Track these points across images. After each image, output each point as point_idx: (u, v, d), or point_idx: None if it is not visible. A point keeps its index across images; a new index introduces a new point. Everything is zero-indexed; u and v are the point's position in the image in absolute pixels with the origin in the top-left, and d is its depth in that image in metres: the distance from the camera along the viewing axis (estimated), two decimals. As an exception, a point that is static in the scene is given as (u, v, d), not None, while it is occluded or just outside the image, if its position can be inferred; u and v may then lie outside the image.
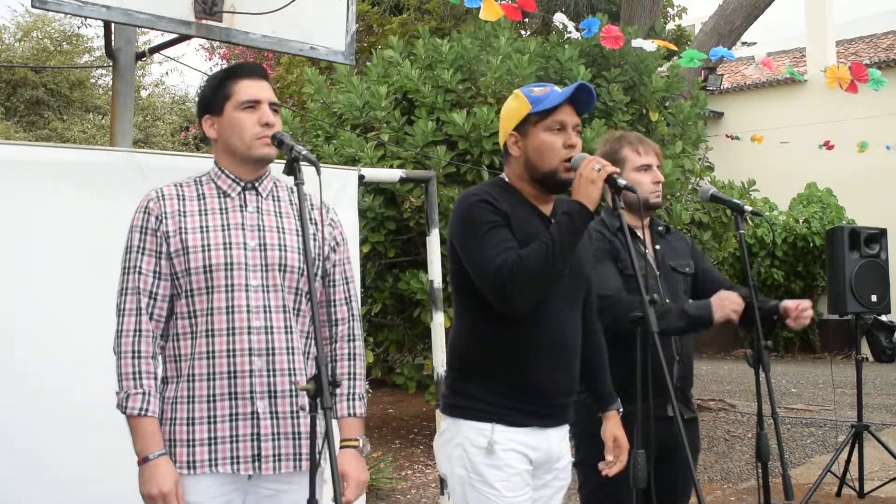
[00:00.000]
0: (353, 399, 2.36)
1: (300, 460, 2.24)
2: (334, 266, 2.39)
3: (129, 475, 2.18)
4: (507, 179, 2.52)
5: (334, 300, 2.39)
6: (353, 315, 2.42)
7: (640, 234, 2.99)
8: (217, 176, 2.33)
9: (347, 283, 2.42)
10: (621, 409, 2.60)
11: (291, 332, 2.27)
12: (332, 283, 2.38)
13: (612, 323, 2.68)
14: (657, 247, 3.04)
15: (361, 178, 4.28)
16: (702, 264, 3.16)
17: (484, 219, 2.36)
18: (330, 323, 2.37)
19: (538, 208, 2.48)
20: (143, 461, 2.15)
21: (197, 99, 2.43)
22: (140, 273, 2.21)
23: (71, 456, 3.15)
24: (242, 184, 2.33)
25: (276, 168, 2.42)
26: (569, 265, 2.39)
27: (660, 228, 3.12)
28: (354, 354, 2.39)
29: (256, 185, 2.34)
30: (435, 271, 4.43)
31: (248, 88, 2.30)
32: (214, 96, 2.32)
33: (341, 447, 2.27)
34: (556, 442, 2.47)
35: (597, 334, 2.63)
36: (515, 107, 2.47)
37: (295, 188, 2.35)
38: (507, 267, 2.27)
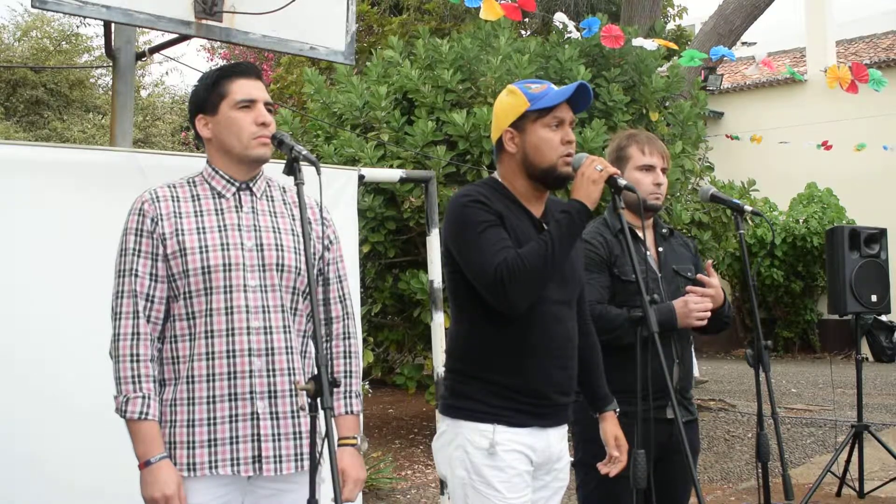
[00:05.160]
0: (350, 397, 2.37)
1: (301, 460, 2.24)
2: (328, 265, 2.39)
3: (130, 476, 2.18)
4: (498, 178, 2.51)
5: (329, 298, 2.39)
6: (347, 313, 2.42)
7: (641, 235, 2.97)
8: (211, 176, 2.32)
9: (341, 282, 2.42)
10: (618, 410, 2.60)
11: (290, 332, 2.27)
12: (326, 282, 2.38)
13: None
14: (660, 249, 3.03)
15: (361, 178, 4.28)
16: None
17: (478, 219, 2.35)
18: (325, 321, 2.37)
19: (528, 209, 2.46)
20: (144, 465, 2.14)
21: (189, 98, 2.40)
22: (136, 276, 2.20)
23: (71, 456, 3.14)
24: (237, 184, 2.31)
25: (269, 168, 2.42)
26: (565, 264, 2.38)
27: (663, 231, 3.10)
28: (350, 352, 2.39)
29: (251, 185, 2.33)
30: (435, 271, 4.43)
31: (244, 87, 2.28)
32: (209, 95, 2.30)
33: (339, 445, 2.27)
34: (556, 442, 2.46)
35: (591, 335, 2.63)
36: (512, 103, 2.44)
37: (286, 188, 2.34)
38: (507, 266, 2.26)
